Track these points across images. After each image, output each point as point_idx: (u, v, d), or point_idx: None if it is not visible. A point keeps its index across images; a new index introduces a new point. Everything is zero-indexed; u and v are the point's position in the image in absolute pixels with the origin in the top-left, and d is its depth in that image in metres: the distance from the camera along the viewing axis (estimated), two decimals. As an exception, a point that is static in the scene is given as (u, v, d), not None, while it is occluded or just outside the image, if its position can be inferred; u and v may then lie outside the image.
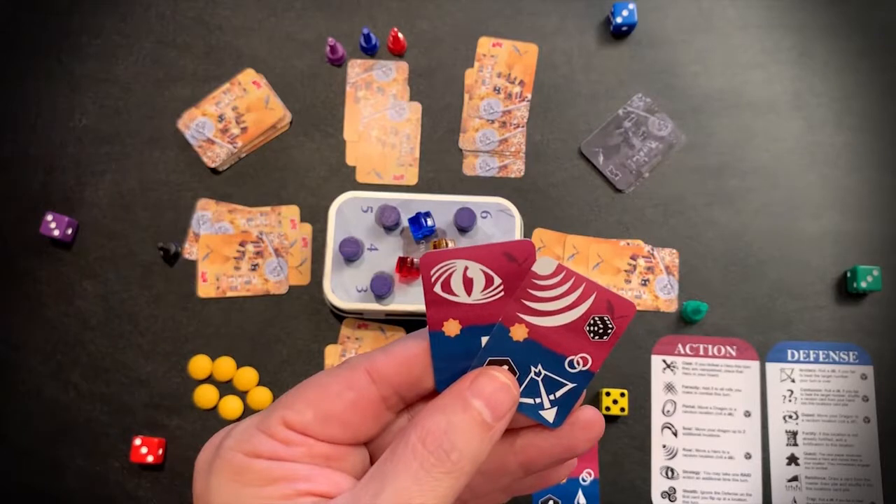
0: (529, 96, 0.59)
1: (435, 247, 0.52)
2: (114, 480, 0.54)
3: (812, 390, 0.55)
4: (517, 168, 0.58)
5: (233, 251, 0.57)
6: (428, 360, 0.24)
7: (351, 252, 0.52)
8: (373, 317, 0.55)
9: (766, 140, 0.58)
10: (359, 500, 0.22)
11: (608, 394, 0.53)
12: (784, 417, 0.54)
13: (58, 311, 0.56)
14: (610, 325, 0.23)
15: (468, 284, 0.22)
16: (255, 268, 0.56)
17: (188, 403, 0.55)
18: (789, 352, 0.55)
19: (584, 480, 0.53)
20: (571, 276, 0.22)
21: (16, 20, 0.60)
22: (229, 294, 0.56)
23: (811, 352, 0.55)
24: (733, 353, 0.55)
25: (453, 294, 0.22)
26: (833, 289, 0.56)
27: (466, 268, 0.22)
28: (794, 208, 0.57)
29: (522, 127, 0.58)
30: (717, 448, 0.54)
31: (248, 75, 0.59)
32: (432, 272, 0.22)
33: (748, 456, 0.54)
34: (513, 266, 0.22)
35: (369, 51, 0.59)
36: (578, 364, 0.24)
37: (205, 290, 0.56)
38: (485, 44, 0.60)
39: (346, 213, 0.53)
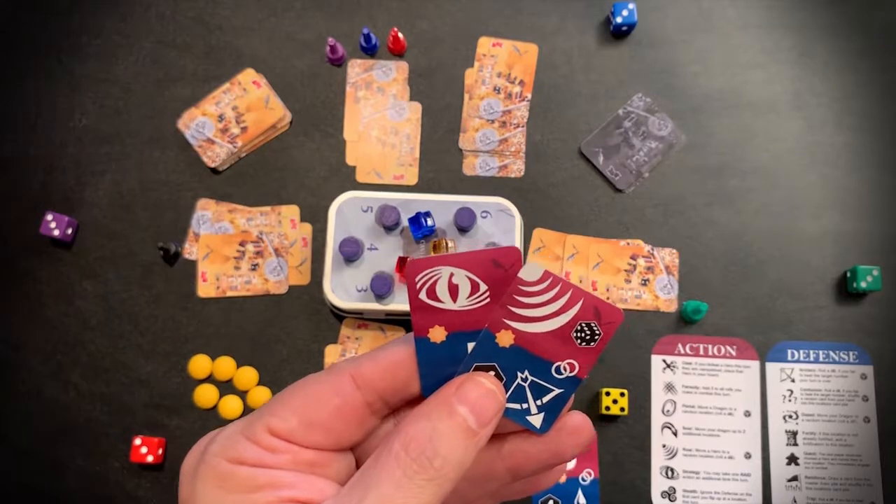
0: (529, 96, 0.59)
1: (435, 247, 0.52)
2: (114, 480, 0.54)
3: (812, 390, 0.55)
4: (517, 168, 0.58)
5: (233, 251, 0.57)
6: (414, 365, 0.24)
7: (351, 252, 0.52)
8: (373, 316, 0.55)
9: (766, 140, 0.58)
10: None
11: (608, 393, 0.53)
12: (784, 417, 0.54)
13: (58, 310, 0.56)
14: (597, 332, 0.23)
15: (454, 291, 0.22)
16: (255, 268, 0.56)
17: (188, 403, 0.55)
18: (789, 352, 0.55)
19: (583, 480, 0.53)
20: (558, 282, 0.22)
21: (16, 20, 0.60)
22: (229, 294, 0.56)
23: (811, 352, 0.55)
24: (733, 353, 0.55)
25: (438, 301, 0.22)
26: (833, 289, 0.56)
27: (452, 274, 0.22)
28: (794, 208, 0.57)
29: (522, 127, 0.58)
30: (717, 448, 0.54)
31: (248, 75, 0.59)
32: (417, 279, 0.21)
33: (748, 456, 0.54)
34: (499, 272, 0.22)
35: (369, 51, 0.59)
36: (565, 370, 0.24)
37: (205, 289, 0.56)
38: (485, 44, 0.60)
39: (346, 212, 0.53)
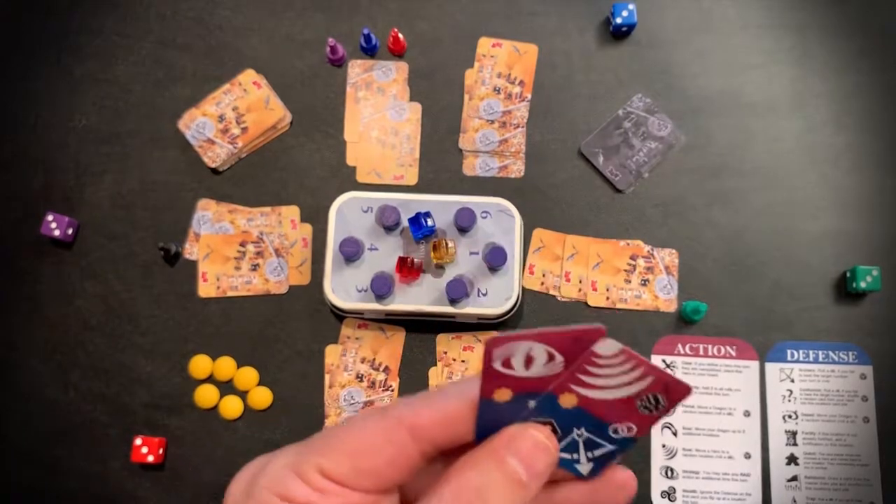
0: (529, 96, 0.59)
1: (435, 247, 0.52)
2: (114, 480, 0.54)
3: (811, 390, 0.55)
4: (517, 168, 0.58)
5: (233, 251, 0.57)
6: (472, 417, 0.24)
7: (351, 252, 0.52)
8: (373, 317, 0.55)
9: (766, 140, 0.58)
10: None
11: (608, 394, 0.53)
12: (784, 417, 0.54)
13: (58, 311, 0.56)
14: (662, 403, 0.23)
15: (529, 362, 0.22)
16: (255, 268, 0.56)
17: (188, 403, 0.55)
18: (789, 352, 0.55)
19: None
20: (633, 358, 0.22)
21: (16, 20, 0.60)
22: (230, 294, 0.56)
23: (811, 352, 0.55)
24: (733, 353, 0.55)
25: (512, 369, 0.22)
26: (833, 289, 0.56)
27: (531, 348, 0.21)
28: (793, 208, 0.57)
29: (522, 127, 0.58)
30: (717, 448, 0.54)
31: (249, 76, 0.59)
32: (495, 353, 0.21)
33: (748, 456, 0.54)
34: (577, 346, 0.22)
35: (369, 51, 0.59)
36: (622, 431, 0.24)
37: (205, 289, 0.56)
38: (485, 44, 0.60)
39: (347, 213, 0.53)
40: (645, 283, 0.56)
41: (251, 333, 0.56)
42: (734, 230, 0.57)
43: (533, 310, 0.56)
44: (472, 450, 0.24)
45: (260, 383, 0.55)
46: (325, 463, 0.24)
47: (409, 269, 0.52)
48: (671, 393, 0.23)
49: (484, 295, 0.52)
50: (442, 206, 0.53)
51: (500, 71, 0.59)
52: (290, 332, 0.56)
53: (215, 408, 0.55)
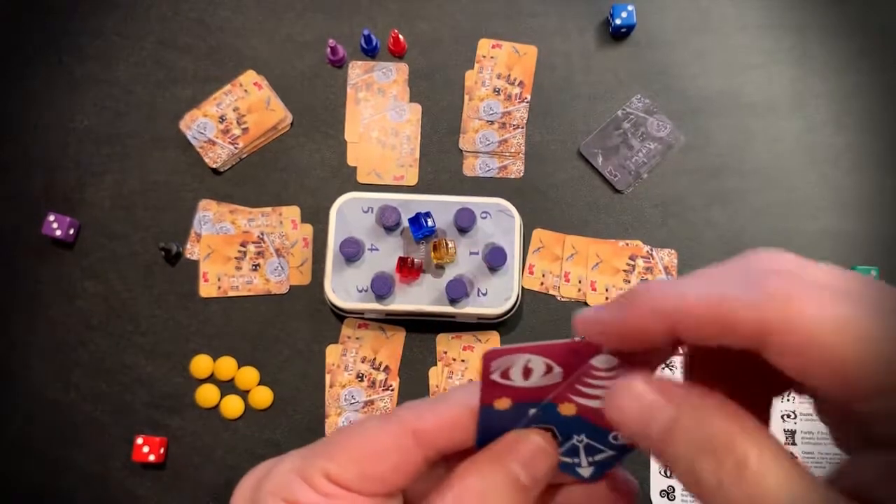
0: (529, 97, 0.59)
1: (435, 247, 0.52)
2: (115, 479, 0.54)
3: (811, 390, 0.55)
4: (517, 169, 0.58)
5: (234, 251, 0.57)
6: (474, 422, 0.24)
7: (351, 252, 0.52)
8: (373, 316, 0.55)
9: (766, 141, 0.58)
10: None
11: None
12: (782, 416, 0.54)
13: (59, 310, 0.56)
14: None
15: (527, 373, 0.22)
16: (256, 268, 0.57)
17: (189, 403, 0.55)
18: (788, 352, 0.55)
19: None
20: (630, 371, 0.22)
21: (17, 21, 0.61)
22: (230, 294, 0.56)
23: (810, 352, 0.55)
24: (732, 353, 0.55)
25: (510, 380, 0.22)
26: (832, 289, 0.56)
27: (529, 360, 0.22)
28: (793, 209, 0.58)
29: (522, 128, 0.58)
30: (716, 447, 0.54)
31: (250, 76, 0.59)
32: (492, 365, 0.22)
33: (747, 455, 0.54)
34: (575, 358, 0.22)
35: (370, 52, 0.60)
36: (622, 438, 0.24)
37: (206, 289, 0.56)
38: (484, 45, 0.60)
39: (347, 213, 0.53)
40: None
41: (252, 333, 0.56)
42: (734, 230, 0.57)
43: (532, 310, 0.56)
44: (475, 455, 0.24)
45: (260, 383, 0.55)
46: (331, 468, 0.24)
47: (409, 269, 0.52)
48: None
49: (484, 295, 0.52)
50: (442, 206, 0.53)
51: (499, 72, 0.59)
52: (290, 331, 0.56)
53: (216, 407, 0.55)
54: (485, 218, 0.53)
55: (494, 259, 0.52)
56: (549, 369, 0.22)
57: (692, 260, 0.57)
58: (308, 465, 0.24)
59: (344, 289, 0.53)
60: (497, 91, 0.59)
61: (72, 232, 0.56)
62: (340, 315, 0.56)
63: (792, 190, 0.58)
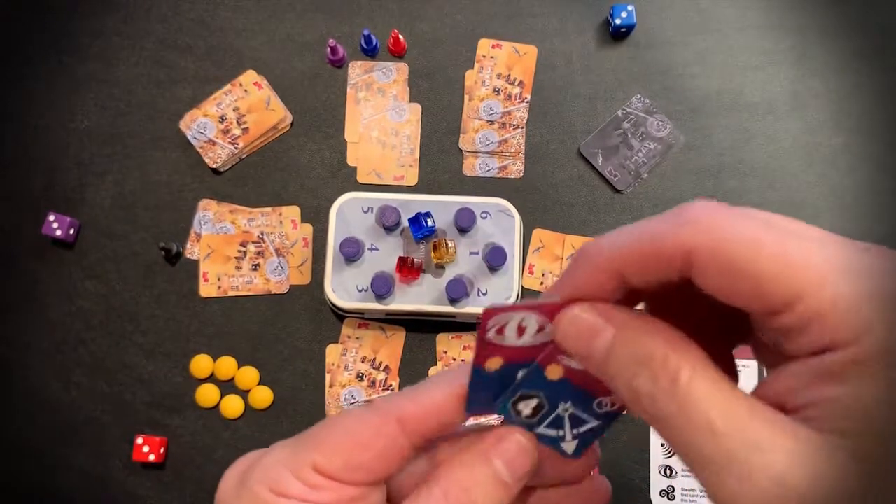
0: (529, 97, 0.59)
1: (435, 247, 0.52)
2: (115, 479, 0.54)
3: (810, 390, 0.55)
4: (517, 169, 0.58)
5: (234, 251, 0.57)
6: (459, 407, 0.25)
7: (351, 252, 0.52)
8: (373, 316, 0.55)
9: (765, 141, 0.59)
10: None
11: (607, 393, 0.53)
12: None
13: (60, 310, 0.56)
14: None
15: (521, 331, 0.23)
16: (256, 268, 0.57)
17: (190, 403, 0.55)
18: (787, 351, 0.55)
19: (583, 479, 0.54)
20: None
21: (17, 21, 0.61)
22: (231, 294, 0.56)
23: (809, 351, 0.55)
24: (732, 353, 0.55)
25: (504, 337, 0.23)
26: (831, 289, 0.56)
27: (523, 318, 0.22)
28: (792, 209, 0.58)
29: (522, 128, 0.59)
30: (716, 447, 0.54)
31: (250, 76, 0.59)
32: (490, 322, 0.23)
33: (746, 455, 0.54)
34: None
35: (370, 52, 0.60)
36: (606, 405, 0.24)
37: (206, 289, 0.56)
38: (484, 45, 0.60)
39: (347, 213, 0.54)
40: (644, 283, 0.56)
41: (252, 333, 0.56)
42: (733, 230, 0.57)
43: (532, 310, 0.56)
44: (461, 450, 0.25)
45: (261, 383, 0.55)
46: (318, 459, 0.24)
47: (409, 269, 0.52)
48: None
49: (484, 295, 0.53)
50: (442, 206, 0.53)
51: (499, 72, 0.59)
52: (290, 331, 0.56)
53: (216, 407, 0.55)
54: (485, 218, 0.53)
55: (494, 259, 0.52)
56: (540, 328, 0.23)
57: (692, 260, 0.57)
58: (295, 456, 0.24)
59: (344, 288, 0.53)
60: (497, 91, 0.59)
61: (72, 232, 0.56)
62: (340, 315, 0.56)
63: (791, 190, 0.58)
